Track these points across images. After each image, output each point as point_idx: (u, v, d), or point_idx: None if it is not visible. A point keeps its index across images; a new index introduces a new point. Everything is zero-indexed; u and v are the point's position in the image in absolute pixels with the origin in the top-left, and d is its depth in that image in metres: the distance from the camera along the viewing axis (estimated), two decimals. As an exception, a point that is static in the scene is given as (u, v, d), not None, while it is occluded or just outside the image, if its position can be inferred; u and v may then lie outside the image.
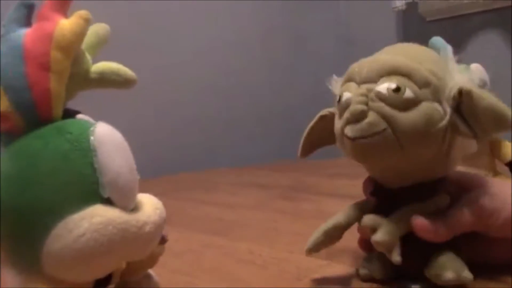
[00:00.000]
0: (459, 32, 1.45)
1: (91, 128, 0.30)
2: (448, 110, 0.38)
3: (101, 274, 0.31)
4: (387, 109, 0.37)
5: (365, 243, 0.45)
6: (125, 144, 0.31)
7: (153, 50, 1.43)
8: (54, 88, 0.30)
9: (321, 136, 0.47)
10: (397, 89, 0.37)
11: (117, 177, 0.29)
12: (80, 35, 0.31)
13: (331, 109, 0.45)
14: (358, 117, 0.38)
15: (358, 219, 0.42)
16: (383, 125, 0.37)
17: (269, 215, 0.76)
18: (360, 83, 0.40)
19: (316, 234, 0.44)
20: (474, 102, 0.37)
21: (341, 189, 0.89)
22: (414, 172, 0.41)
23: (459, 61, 0.66)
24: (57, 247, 0.28)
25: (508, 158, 0.66)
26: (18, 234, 0.29)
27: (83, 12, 0.31)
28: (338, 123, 0.41)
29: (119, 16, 1.33)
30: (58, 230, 0.28)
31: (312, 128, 0.48)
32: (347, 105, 0.39)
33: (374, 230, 0.39)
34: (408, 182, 0.41)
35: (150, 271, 0.39)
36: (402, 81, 0.38)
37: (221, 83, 1.57)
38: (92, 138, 0.29)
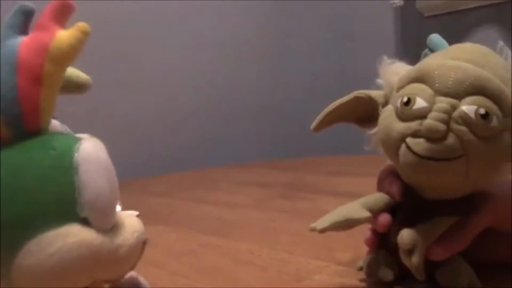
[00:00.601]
0: (457, 28, 1.44)
1: (76, 145, 0.30)
2: None
3: None
4: (469, 136, 0.34)
5: (374, 241, 0.43)
6: (109, 163, 0.30)
7: (146, 49, 1.42)
8: (44, 101, 0.30)
9: (344, 114, 0.44)
10: (485, 116, 0.34)
11: (96, 198, 0.29)
12: (77, 48, 0.31)
13: (370, 92, 0.43)
14: (434, 135, 0.35)
15: (379, 213, 0.41)
16: (460, 152, 0.35)
17: (268, 215, 0.76)
18: (441, 94, 0.36)
19: (335, 217, 0.39)
20: None
21: (340, 187, 0.89)
22: (461, 191, 0.39)
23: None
24: (27, 263, 0.28)
25: None
26: None
27: (82, 25, 0.31)
28: (397, 125, 0.37)
29: (111, 13, 1.33)
30: (31, 246, 0.27)
31: (341, 105, 0.45)
32: (420, 115, 0.36)
33: (411, 252, 0.37)
34: (449, 197, 0.39)
35: (136, 273, 0.38)
36: (491, 106, 0.35)
37: (218, 79, 1.56)
38: (76, 155, 0.29)
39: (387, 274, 0.41)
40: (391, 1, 1.55)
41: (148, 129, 1.40)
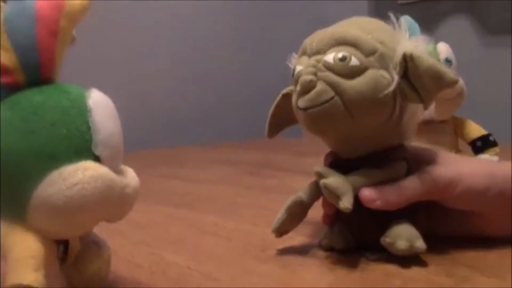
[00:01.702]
0: (429, 16, 1.46)
1: (88, 92, 0.33)
2: (396, 76, 0.39)
3: (81, 230, 0.33)
4: (334, 78, 0.38)
5: (329, 218, 0.46)
6: (115, 111, 0.33)
7: (125, 32, 1.40)
8: (58, 52, 0.33)
9: (287, 115, 0.46)
10: (343, 58, 0.38)
11: (110, 137, 0.32)
12: (87, 8, 0.34)
13: (293, 87, 0.45)
14: (307, 88, 0.39)
15: (320, 195, 0.43)
16: (330, 93, 0.38)
17: (235, 190, 0.76)
18: (310, 55, 0.40)
19: (279, 213, 0.44)
20: (416, 65, 0.38)
21: (306, 166, 0.88)
22: (367, 140, 0.41)
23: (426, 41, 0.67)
24: (49, 193, 0.29)
25: (471, 137, 0.68)
26: (12, 177, 0.30)
27: None
28: (294, 98, 0.41)
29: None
30: (53, 177, 0.29)
31: (276, 107, 0.48)
32: (298, 77, 0.40)
33: (323, 176, 0.39)
34: (364, 152, 0.42)
35: (99, 237, 0.39)
36: (349, 50, 0.39)
37: (190, 60, 1.55)
38: (89, 100, 0.32)
39: (338, 242, 0.42)
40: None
41: (121, 108, 1.37)
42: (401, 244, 0.39)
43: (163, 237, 0.52)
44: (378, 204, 0.40)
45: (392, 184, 0.40)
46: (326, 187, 0.39)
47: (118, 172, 0.33)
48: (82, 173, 0.29)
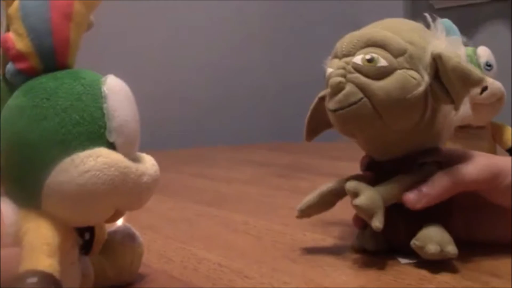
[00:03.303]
0: (467, 21, 1.43)
1: (103, 78, 0.32)
2: (426, 77, 0.39)
3: (96, 218, 0.32)
4: (362, 79, 0.38)
5: (360, 220, 0.45)
6: (132, 97, 0.33)
7: (151, 27, 1.42)
8: (73, 37, 0.32)
9: (324, 118, 0.46)
10: (371, 59, 0.39)
11: (124, 123, 0.31)
12: None
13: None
14: (336, 90, 0.39)
15: None
16: (359, 95, 0.39)
17: (265, 191, 0.76)
18: (341, 57, 0.41)
19: (309, 196, 0.44)
20: (444, 64, 0.38)
21: (340, 170, 0.88)
22: (398, 142, 0.41)
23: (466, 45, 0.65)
24: (61, 180, 0.29)
25: (509, 144, 0.66)
26: (25, 164, 0.30)
27: None
28: (326, 100, 0.42)
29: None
30: (65, 164, 0.29)
31: (313, 109, 0.48)
32: (328, 80, 0.40)
33: (356, 194, 0.39)
34: (396, 154, 0.41)
35: (134, 230, 0.39)
36: (377, 51, 0.39)
37: (223, 61, 1.56)
38: (103, 86, 0.31)
39: (370, 244, 0.42)
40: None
41: (153, 106, 1.39)
42: (431, 248, 0.38)
43: (194, 233, 0.53)
44: (418, 205, 0.39)
45: (424, 182, 0.40)
46: (358, 207, 0.38)
47: (134, 159, 0.32)
48: (94, 160, 0.29)
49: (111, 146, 0.30)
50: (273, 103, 1.65)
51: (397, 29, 0.40)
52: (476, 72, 0.38)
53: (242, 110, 1.59)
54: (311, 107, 0.48)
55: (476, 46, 0.64)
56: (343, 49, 0.41)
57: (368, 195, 0.38)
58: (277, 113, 1.64)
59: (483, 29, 1.43)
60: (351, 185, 0.39)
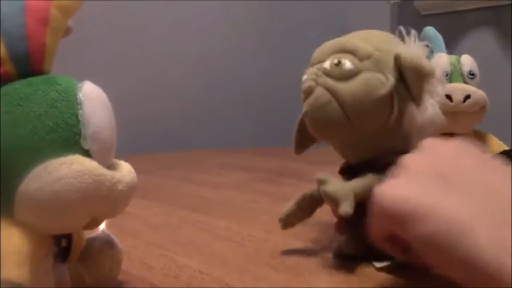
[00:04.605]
0: (453, 28, 1.44)
1: (79, 84, 0.31)
2: (391, 78, 0.40)
3: (70, 226, 0.32)
4: (330, 82, 0.41)
5: (341, 226, 0.45)
6: (109, 104, 0.32)
7: (137, 30, 1.41)
8: (49, 42, 0.32)
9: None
10: (338, 63, 0.41)
11: (99, 130, 0.30)
12: (80, 2, 0.34)
13: None
14: (308, 93, 0.42)
15: None
16: (327, 96, 0.41)
17: (250, 196, 0.75)
18: (314, 64, 0.43)
19: (288, 205, 0.46)
20: (402, 61, 0.40)
21: (323, 175, 0.89)
22: (368, 144, 0.42)
23: (450, 53, 0.66)
24: (34, 187, 0.28)
25: (493, 152, 0.66)
26: None
27: None
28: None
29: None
30: (38, 171, 0.28)
31: (300, 121, 0.47)
32: (302, 85, 0.42)
33: (324, 182, 0.40)
34: (366, 156, 0.43)
35: (113, 237, 0.38)
36: (345, 56, 0.41)
37: (210, 65, 1.55)
38: (79, 92, 0.31)
39: (348, 250, 0.43)
40: (389, -2, 1.55)
41: (138, 108, 1.38)
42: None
43: (176, 239, 0.52)
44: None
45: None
46: (325, 193, 0.39)
47: (110, 166, 0.31)
48: (68, 167, 0.28)
49: (86, 153, 0.30)
50: (260, 107, 1.64)
51: (368, 38, 0.43)
52: (429, 65, 0.41)
53: (229, 113, 1.58)
54: (298, 119, 0.48)
55: (460, 53, 0.65)
56: (317, 57, 0.43)
57: (335, 183, 0.40)
58: (264, 117, 1.64)
59: (469, 35, 1.45)
60: (320, 175, 0.40)
